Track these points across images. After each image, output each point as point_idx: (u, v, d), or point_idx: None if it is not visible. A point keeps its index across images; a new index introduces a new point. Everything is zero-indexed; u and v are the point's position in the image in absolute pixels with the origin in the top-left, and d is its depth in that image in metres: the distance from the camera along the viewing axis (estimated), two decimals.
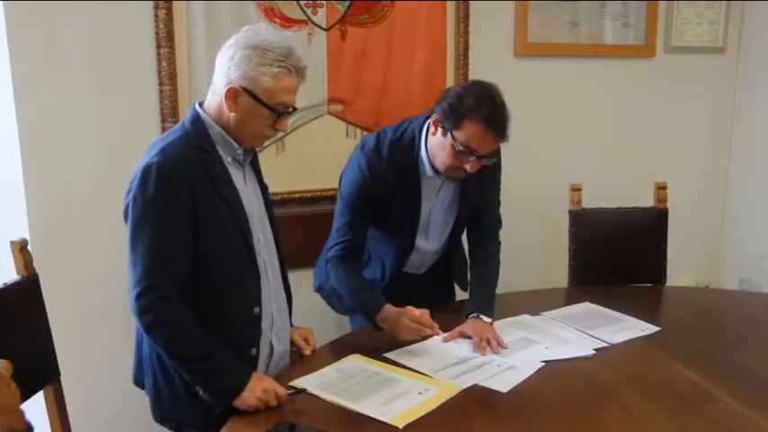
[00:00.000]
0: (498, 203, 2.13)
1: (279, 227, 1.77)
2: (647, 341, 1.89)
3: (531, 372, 1.68)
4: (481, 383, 1.62)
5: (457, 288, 2.27)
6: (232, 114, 1.54)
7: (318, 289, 2.21)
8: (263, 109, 1.53)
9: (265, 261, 1.67)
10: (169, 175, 1.48)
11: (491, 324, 1.89)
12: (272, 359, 1.69)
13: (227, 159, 1.60)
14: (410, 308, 1.80)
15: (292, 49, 1.54)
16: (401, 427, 1.42)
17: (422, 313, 1.79)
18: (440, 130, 1.83)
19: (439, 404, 1.52)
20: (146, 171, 1.48)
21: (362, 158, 1.92)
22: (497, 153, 1.94)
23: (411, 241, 2.03)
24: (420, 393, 1.56)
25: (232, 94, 1.52)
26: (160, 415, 1.66)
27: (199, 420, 1.58)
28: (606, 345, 1.84)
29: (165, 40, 2.27)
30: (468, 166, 1.81)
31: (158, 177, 1.47)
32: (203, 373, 1.51)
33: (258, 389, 1.49)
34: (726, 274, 3.40)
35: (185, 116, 1.62)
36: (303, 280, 2.20)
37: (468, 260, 2.12)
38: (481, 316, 1.90)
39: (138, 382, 1.72)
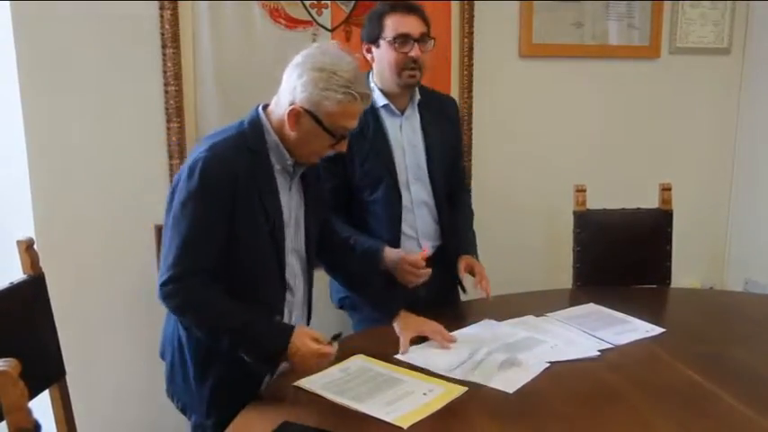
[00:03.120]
0: (462, 157, 2.35)
1: (314, 242, 1.77)
2: (652, 342, 1.88)
3: (537, 372, 1.68)
4: (487, 384, 1.62)
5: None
6: (293, 133, 1.57)
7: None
8: (323, 132, 1.56)
9: (295, 273, 1.70)
10: (213, 171, 1.50)
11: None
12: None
13: (277, 167, 1.62)
14: (403, 255, 1.95)
15: (359, 74, 1.56)
16: (405, 427, 1.42)
17: (415, 260, 1.92)
18: (374, 50, 2.01)
19: (443, 405, 1.51)
20: (193, 165, 1.52)
21: None
22: (429, 32, 2.02)
23: (397, 193, 2.05)
24: (424, 394, 1.56)
25: (294, 115, 1.54)
26: (171, 392, 1.72)
27: (202, 407, 1.63)
28: (611, 346, 1.84)
29: (171, 40, 2.28)
30: (413, 53, 1.96)
31: (202, 172, 1.50)
32: (242, 344, 1.53)
33: (304, 354, 1.52)
34: (731, 275, 3.40)
35: (246, 116, 1.64)
36: None
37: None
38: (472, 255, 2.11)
39: (163, 356, 1.77)
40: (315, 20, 2.48)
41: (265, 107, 1.64)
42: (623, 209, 2.52)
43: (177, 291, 1.50)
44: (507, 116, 2.54)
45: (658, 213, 2.53)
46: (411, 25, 1.97)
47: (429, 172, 2.11)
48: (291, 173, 1.66)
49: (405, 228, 2.09)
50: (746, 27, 3.21)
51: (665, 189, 2.54)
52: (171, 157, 2.36)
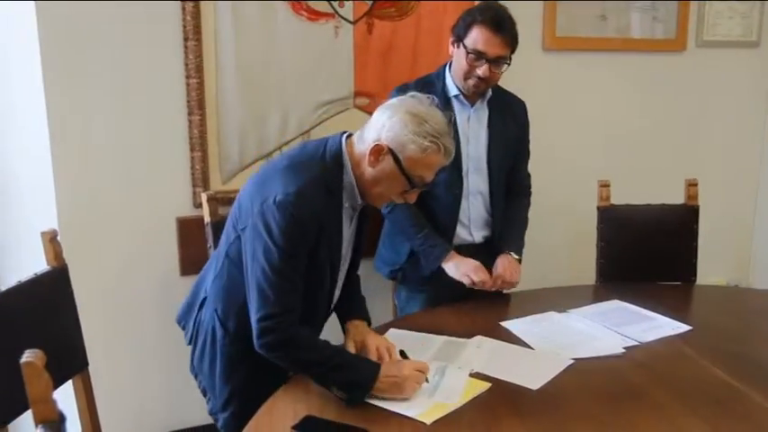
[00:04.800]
0: (528, 154, 2.33)
1: (355, 273, 1.82)
2: (679, 340, 1.85)
3: (561, 369, 1.66)
4: (511, 380, 1.60)
5: None
6: (370, 169, 1.55)
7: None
8: (400, 175, 1.54)
9: (335, 302, 1.77)
10: (303, 215, 1.49)
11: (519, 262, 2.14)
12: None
13: (345, 205, 1.62)
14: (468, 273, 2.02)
15: (449, 130, 1.55)
16: (429, 423, 1.41)
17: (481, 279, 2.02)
18: (455, 47, 2.04)
19: (466, 401, 1.50)
20: (282, 207, 1.48)
21: None
22: (506, 57, 2.02)
23: (459, 179, 2.11)
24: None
25: (377, 151, 1.53)
26: (195, 373, 1.78)
27: (220, 400, 1.70)
28: (636, 343, 1.81)
29: (193, 32, 2.27)
30: (480, 72, 2.00)
31: (292, 216, 1.48)
32: (329, 378, 1.52)
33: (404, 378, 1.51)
34: (756, 273, 3.34)
35: (329, 144, 1.60)
36: None
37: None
38: (512, 253, 2.13)
39: (180, 322, 1.83)
40: (337, 12, 2.46)
41: (348, 136, 1.61)
42: (648, 204, 2.48)
43: (275, 327, 1.49)
44: (531, 110, 2.50)
45: (684, 209, 2.49)
46: (491, 45, 1.97)
47: (488, 165, 2.15)
48: (355, 211, 1.67)
49: (459, 214, 2.14)
50: None
51: (692, 185, 2.50)
52: (192, 150, 2.36)
